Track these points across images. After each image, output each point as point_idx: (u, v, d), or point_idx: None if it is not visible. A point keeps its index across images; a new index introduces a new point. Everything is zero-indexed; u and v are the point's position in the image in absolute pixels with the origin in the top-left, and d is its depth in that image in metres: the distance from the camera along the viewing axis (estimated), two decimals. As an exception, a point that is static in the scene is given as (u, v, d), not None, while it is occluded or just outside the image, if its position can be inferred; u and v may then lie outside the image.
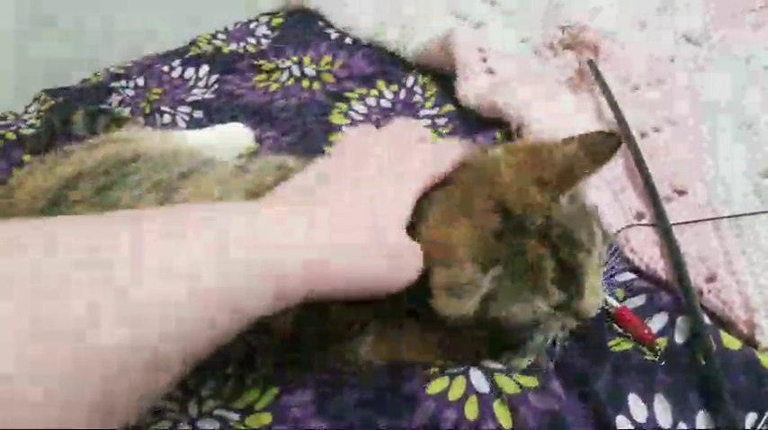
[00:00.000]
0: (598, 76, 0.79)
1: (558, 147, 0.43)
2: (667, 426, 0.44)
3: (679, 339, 0.49)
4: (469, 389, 0.47)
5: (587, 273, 0.44)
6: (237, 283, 0.32)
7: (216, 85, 0.94)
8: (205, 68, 0.97)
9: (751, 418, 0.44)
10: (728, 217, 0.59)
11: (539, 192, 0.42)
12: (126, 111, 0.88)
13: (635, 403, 0.46)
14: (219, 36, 1.07)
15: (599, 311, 0.47)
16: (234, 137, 0.81)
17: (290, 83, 0.92)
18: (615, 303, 0.52)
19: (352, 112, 0.84)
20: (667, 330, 0.50)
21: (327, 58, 0.97)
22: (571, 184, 0.42)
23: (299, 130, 0.82)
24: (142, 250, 0.30)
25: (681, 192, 0.64)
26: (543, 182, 0.42)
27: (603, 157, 0.42)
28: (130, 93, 0.93)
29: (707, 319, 0.50)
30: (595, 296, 0.46)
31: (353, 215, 0.39)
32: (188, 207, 0.39)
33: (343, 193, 0.40)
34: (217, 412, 0.50)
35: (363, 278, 0.39)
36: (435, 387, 0.47)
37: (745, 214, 0.58)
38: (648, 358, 0.48)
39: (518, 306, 0.43)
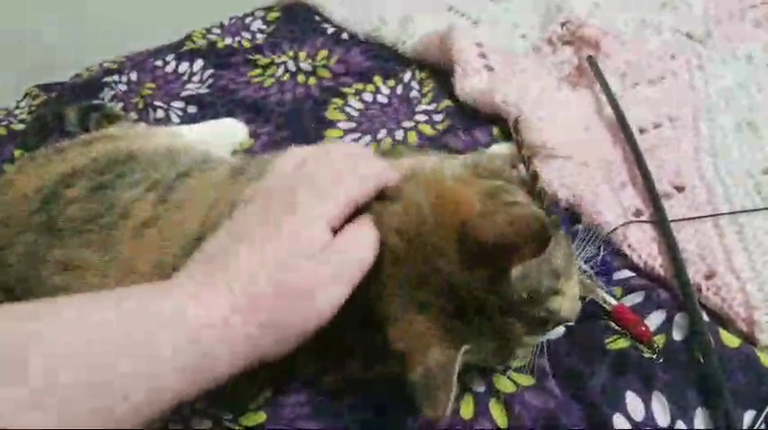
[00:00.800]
0: (598, 72, 0.78)
1: (488, 219, 0.39)
2: (665, 425, 0.44)
3: (677, 337, 0.49)
4: (465, 388, 0.47)
5: (560, 304, 0.43)
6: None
7: (210, 80, 0.93)
8: (199, 63, 0.96)
9: (749, 416, 0.44)
10: (728, 213, 0.58)
11: (481, 271, 0.40)
12: (118, 107, 0.87)
13: (632, 401, 0.45)
14: (214, 30, 1.06)
15: (580, 306, 0.47)
16: (228, 132, 0.80)
17: (285, 78, 0.91)
18: (613, 301, 0.51)
19: (348, 108, 0.84)
20: (665, 328, 0.50)
21: (324, 53, 0.96)
22: (514, 265, 0.40)
23: (295, 126, 0.81)
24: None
25: (680, 189, 0.63)
26: (481, 263, 0.40)
27: (535, 252, 0.39)
28: (123, 88, 0.92)
29: (705, 317, 0.50)
30: (572, 305, 0.45)
31: (256, 275, 0.37)
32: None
33: (243, 253, 0.38)
34: (210, 411, 0.49)
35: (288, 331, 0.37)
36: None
37: (745, 211, 0.58)
38: (646, 356, 0.48)
39: (502, 359, 0.44)
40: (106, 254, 0.51)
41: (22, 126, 0.89)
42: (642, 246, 0.57)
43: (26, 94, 0.98)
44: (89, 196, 0.56)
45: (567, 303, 0.44)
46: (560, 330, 0.50)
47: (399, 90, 0.86)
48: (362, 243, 0.40)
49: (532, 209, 0.39)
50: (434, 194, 0.43)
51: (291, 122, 0.82)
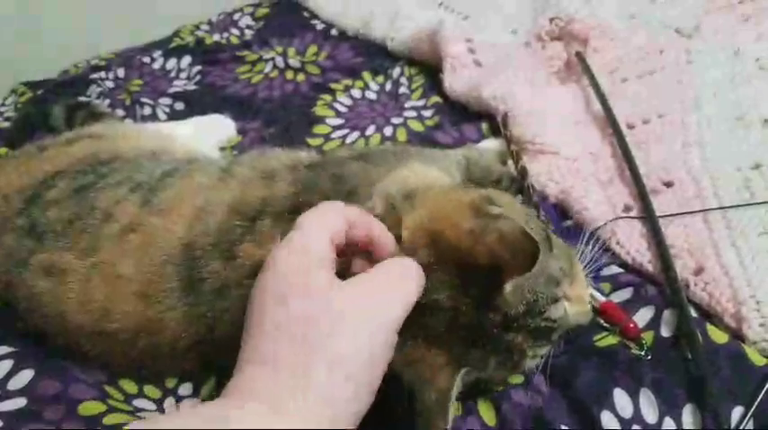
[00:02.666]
0: (586, 67, 0.78)
1: (481, 240, 0.39)
2: (653, 422, 0.44)
3: (665, 333, 0.49)
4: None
5: (563, 311, 0.43)
6: None
7: (198, 77, 0.92)
8: (187, 59, 0.95)
9: (737, 412, 0.43)
10: (717, 209, 0.58)
11: (475, 288, 0.40)
12: (105, 104, 0.87)
13: (620, 398, 0.45)
14: (203, 27, 1.05)
15: (591, 310, 0.47)
16: (215, 128, 0.79)
17: (273, 74, 0.90)
18: (600, 297, 0.51)
19: (336, 104, 0.83)
20: (653, 324, 0.49)
21: (313, 49, 0.95)
22: (506, 281, 0.40)
23: (283, 122, 0.81)
24: None
25: (668, 185, 0.63)
26: (474, 283, 0.40)
27: (526, 267, 0.38)
28: (110, 84, 0.91)
29: (693, 313, 0.50)
30: (581, 308, 0.45)
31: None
32: None
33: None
34: (194, 410, 0.48)
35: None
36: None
37: (734, 206, 0.57)
38: (634, 353, 0.47)
39: (511, 373, 0.45)
40: (89, 258, 0.50)
41: (7, 124, 0.87)
42: (630, 241, 0.57)
43: (12, 92, 0.96)
44: (71, 198, 0.55)
45: (575, 307, 0.44)
46: None
47: (388, 86, 0.86)
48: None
49: (517, 223, 0.38)
50: (421, 224, 0.42)
51: (280, 119, 0.82)
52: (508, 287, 0.40)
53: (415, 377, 0.40)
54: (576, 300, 0.45)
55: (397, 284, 0.39)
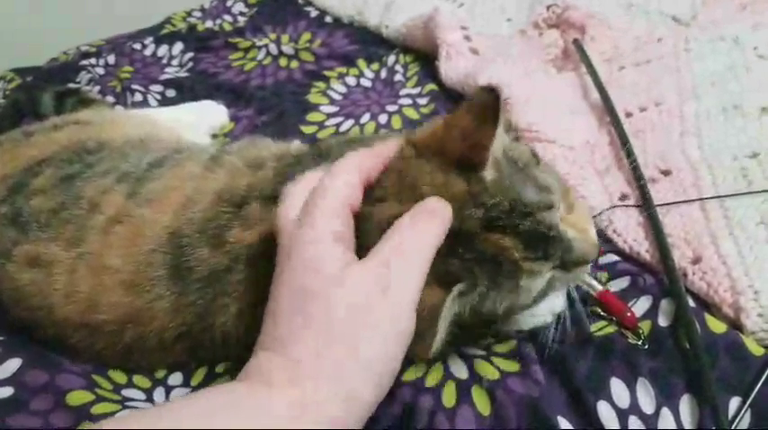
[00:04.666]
0: (584, 55, 0.77)
1: (451, 123, 0.40)
2: (650, 412, 0.43)
3: (663, 322, 0.48)
4: (447, 375, 0.46)
5: (556, 220, 0.41)
6: None
7: (190, 64, 0.91)
8: (179, 46, 0.94)
9: (735, 402, 0.43)
10: (714, 197, 0.57)
11: (458, 180, 0.39)
12: (95, 91, 0.85)
13: (617, 388, 0.44)
14: (195, 13, 1.04)
15: (598, 245, 0.45)
16: (207, 115, 0.78)
17: (266, 61, 0.89)
18: (598, 286, 0.51)
19: (330, 91, 0.82)
20: (651, 313, 0.49)
21: (307, 36, 0.94)
22: (482, 155, 0.39)
23: (276, 110, 0.80)
24: None
25: (666, 173, 0.62)
26: (455, 166, 0.40)
27: (493, 117, 0.38)
28: (100, 71, 0.90)
29: (691, 302, 0.49)
30: (584, 237, 0.43)
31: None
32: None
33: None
34: (184, 400, 0.48)
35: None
36: (411, 373, 0.46)
37: (731, 194, 0.57)
38: (632, 342, 0.47)
39: (510, 297, 0.41)
40: (75, 249, 0.49)
41: (-4, 110, 0.86)
42: (628, 230, 0.56)
43: (0, 78, 0.95)
44: (56, 187, 0.54)
45: (576, 233, 0.42)
46: (548, 318, 0.48)
47: (383, 73, 0.85)
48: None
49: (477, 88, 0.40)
50: (411, 148, 0.42)
51: (273, 106, 0.81)
52: (489, 174, 0.39)
53: None
54: (577, 229, 0.43)
55: (422, 226, 0.38)
